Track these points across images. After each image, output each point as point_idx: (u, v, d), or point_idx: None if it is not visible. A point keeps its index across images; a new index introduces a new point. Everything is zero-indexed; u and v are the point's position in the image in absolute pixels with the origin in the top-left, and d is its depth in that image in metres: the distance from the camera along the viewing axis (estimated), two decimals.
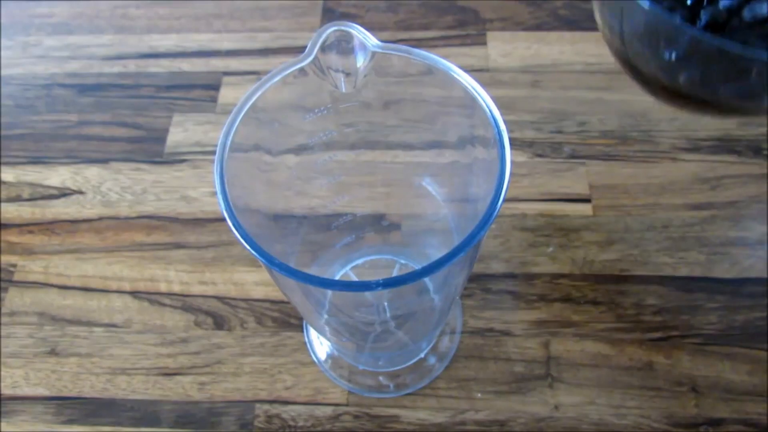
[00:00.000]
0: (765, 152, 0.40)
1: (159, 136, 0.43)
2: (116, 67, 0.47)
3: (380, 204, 0.34)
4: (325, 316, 0.27)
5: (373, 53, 0.22)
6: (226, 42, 0.48)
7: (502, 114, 0.22)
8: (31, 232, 0.40)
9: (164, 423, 0.33)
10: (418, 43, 0.47)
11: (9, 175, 0.42)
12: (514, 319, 0.35)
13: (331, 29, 0.22)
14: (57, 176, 0.42)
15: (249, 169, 0.24)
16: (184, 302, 0.37)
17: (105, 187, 0.41)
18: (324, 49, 0.22)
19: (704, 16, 0.20)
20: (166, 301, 0.37)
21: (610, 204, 0.39)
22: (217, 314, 0.36)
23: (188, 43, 0.48)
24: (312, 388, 0.34)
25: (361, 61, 0.22)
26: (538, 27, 0.47)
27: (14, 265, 0.39)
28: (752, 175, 0.39)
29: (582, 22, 0.47)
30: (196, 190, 0.41)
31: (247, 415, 0.33)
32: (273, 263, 0.19)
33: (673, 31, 0.20)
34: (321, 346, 0.35)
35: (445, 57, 0.22)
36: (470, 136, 0.25)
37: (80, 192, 0.41)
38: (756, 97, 0.23)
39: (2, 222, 0.40)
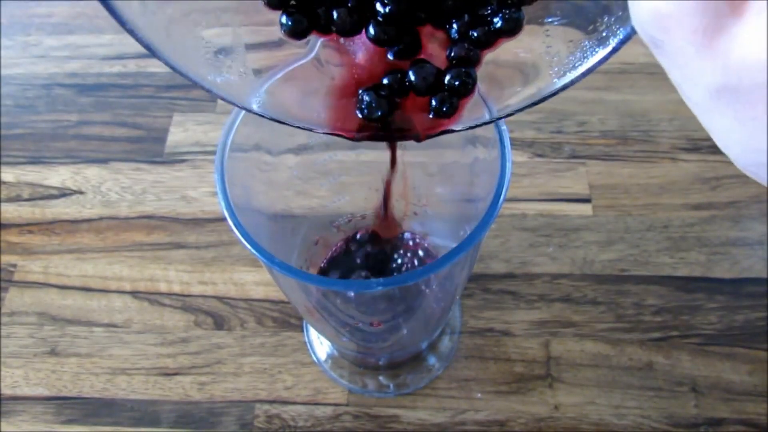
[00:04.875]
0: None
1: (159, 136, 0.43)
2: (116, 67, 0.47)
3: (380, 204, 0.34)
4: (326, 316, 0.27)
5: None
6: None
7: None
8: (31, 232, 0.40)
9: (164, 423, 0.33)
10: None
11: (9, 175, 0.42)
12: (514, 319, 0.35)
13: None
14: (57, 176, 0.42)
15: (249, 169, 0.24)
16: (184, 302, 0.37)
17: (105, 187, 0.41)
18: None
19: None
20: (166, 301, 0.37)
21: (610, 204, 0.39)
22: (217, 314, 0.36)
23: None
24: (312, 388, 0.34)
25: None
26: None
27: (14, 265, 0.39)
28: None
29: None
30: (196, 190, 0.41)
31: (247, 415, 0.33)
32: (273, 263, 0.19)
33: None
34: (321, 346, 0.35)
35: None
36: (470, 136, 0.24)
37: (80, 192, 0.41)
38: None
39: (2, 222, 0.40)
